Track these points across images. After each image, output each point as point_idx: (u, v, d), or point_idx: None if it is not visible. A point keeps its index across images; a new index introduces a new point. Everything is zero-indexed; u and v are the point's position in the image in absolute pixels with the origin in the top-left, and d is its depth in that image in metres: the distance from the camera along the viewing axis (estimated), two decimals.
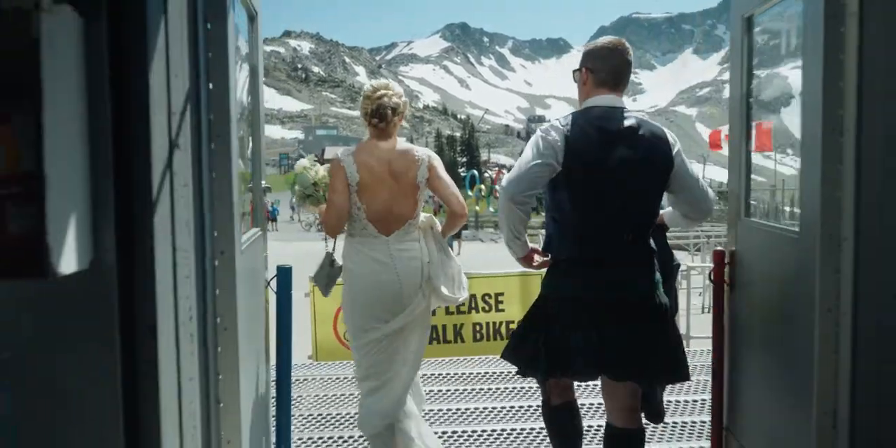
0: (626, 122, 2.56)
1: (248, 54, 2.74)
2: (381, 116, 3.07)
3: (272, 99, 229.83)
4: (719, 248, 3.14)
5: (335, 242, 3.25)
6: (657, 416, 2.87)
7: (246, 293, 2.30)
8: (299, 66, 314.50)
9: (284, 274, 2.94)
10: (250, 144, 2.84)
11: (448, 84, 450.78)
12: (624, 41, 2.73)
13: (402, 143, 3.17)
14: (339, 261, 3.23)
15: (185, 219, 1.55)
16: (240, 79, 2.35)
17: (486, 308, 6.74)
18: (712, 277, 3.03)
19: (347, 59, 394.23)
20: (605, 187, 2.51)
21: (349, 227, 3.14)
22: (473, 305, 6.68)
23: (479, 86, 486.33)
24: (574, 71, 2.76)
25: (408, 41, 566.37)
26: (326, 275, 3.27)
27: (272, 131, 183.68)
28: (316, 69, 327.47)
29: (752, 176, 3.03)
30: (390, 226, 3.07)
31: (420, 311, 3.14)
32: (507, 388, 4.71)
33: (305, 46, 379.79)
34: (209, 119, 1.95)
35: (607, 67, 2.64)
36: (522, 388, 4.67)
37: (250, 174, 2.80)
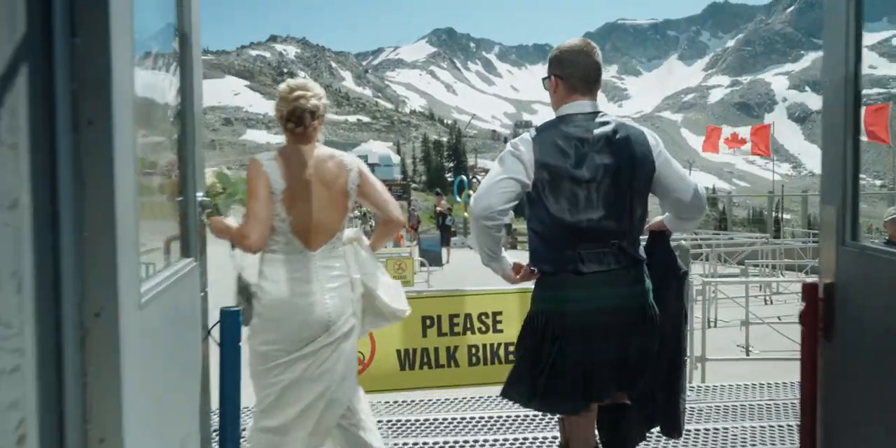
0: (603, 128, 2.48)
1: (168, 28, 1.97)
2: (297, 120, 2.75)
3: (257, 103, 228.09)
4: (810, 279, 2.38)
5: (244, 259, 2.70)
6: (673, 429, 2.69)
7: (158, 364, 1.53)
8: (285, 70, 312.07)
9: (231, 318, 2.19)
10: (175, 146, 2.06)
11: (435, 89, 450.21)
12: (590, 42, 2.63)
13: (324, 148, 2.83)
14: (254, 280, 2.68)
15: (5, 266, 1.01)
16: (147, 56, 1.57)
17: (483, 329, 6.04)
18: (802, 318, 2.31)
19: (334, 64, 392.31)
20: (584, 196, 2.43)
21: (269, 242, 2.70)
22: (468, 326, 5.98)
23: (466, 91, 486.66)
24: (543, 79, 2.68)
25: (394, 46, 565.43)
26: (246, 300, 2.65)
27: (257, 136, 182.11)
28: (302, 74, 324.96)
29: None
30: (317, 239, 2.72)
31: (344, 333, 2.72)
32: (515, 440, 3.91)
33: (291, 51, 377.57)
34: (71, 102, 1.19)
35: (577, 72, 2.56)
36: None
37: (174, 184, 2.02)
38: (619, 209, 2.48)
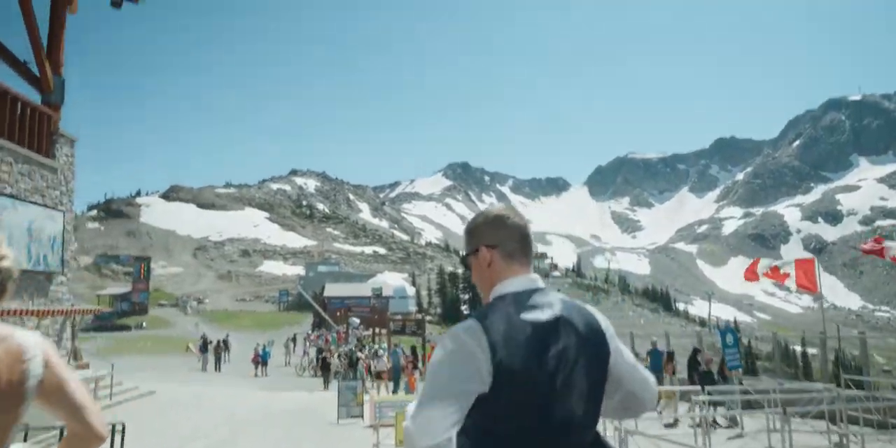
0: (554, 310, 2.03)
1: None
2: None
3: (275, 235, 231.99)
4: None
5: None
6: None
7: None
8: (304, 203, 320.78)
9: None
10: None
11: (450, 221, 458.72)
12: (515, 207, 2.24)
13: None
14: None
15: None
16: None
17: None
18: None
19: (352, 197, 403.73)
20: (545, 394, 1.95)
21: None
22: None
23: None
24: (465, 256, 2.23)
25: (411, 180, 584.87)
26: None
27: (274, 267, 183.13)
28: (321, 206, 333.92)
29: None
30: None
31: None
32: None
33: (311, 184, 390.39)
34: None
35: (515, 235, 2.13)
36: None
37: None
38: (584, 402, 2.04)
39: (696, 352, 17.05)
